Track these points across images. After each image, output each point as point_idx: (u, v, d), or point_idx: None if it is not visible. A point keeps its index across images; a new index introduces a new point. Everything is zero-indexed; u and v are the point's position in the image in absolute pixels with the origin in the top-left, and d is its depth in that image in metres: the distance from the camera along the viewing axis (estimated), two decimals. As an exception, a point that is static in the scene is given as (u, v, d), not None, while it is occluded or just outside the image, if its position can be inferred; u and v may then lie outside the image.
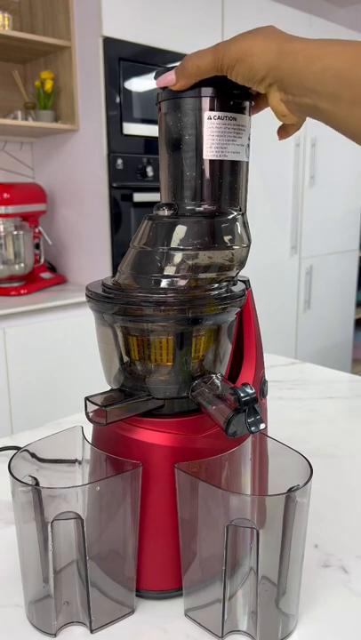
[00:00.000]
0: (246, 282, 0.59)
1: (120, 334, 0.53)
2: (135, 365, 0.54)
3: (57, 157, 2.42)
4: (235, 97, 0.51)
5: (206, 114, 0.50)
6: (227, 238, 0.53)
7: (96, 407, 0.52)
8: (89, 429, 0.58)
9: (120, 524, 0.52)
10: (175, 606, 0.55)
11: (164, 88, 0.52)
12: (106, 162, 2.17)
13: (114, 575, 0.53)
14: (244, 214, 0.55)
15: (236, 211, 0.54)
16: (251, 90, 0.50)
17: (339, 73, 0.41)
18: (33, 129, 2.23)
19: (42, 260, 2.37)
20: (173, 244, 0.52)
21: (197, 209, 0.53)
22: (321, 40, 0.44)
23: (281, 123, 0.52)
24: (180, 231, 0.52)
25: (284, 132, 0.54)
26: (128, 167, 2.22)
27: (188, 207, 0.53)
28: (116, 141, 2.18)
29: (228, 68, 0.47)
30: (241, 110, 0.52)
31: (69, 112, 2.27)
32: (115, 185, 2.20)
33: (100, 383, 0.59)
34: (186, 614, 0.54)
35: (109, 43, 2.08)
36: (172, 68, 0.50)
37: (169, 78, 0.50)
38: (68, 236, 2.46)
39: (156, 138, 0.56)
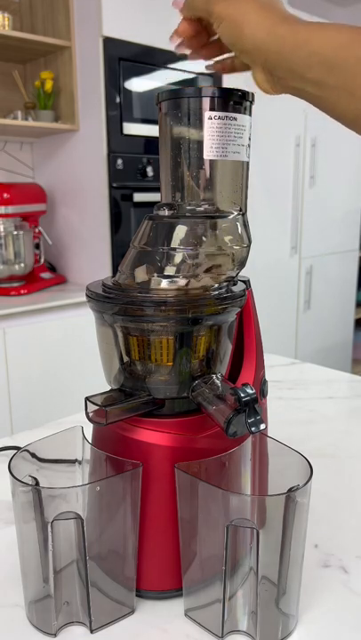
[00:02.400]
0: (246, 282, 0.59)
1: (120, 334, 0.53)
2: (135, 365, 0.54)
3: (57, 157, 2.42)
4: (235, 97, 0.51)
5: (207, 114, 0.50)
6: (227, 238, 0.53)
7: (96, 407, 0.52)
8: (89, 429, 0.58)
9: (120, 524, 0.52)
10: (175, 606, 0.55)
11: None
12: (106, 162, 2.17)
13: (114, 575, 0.53)
14: (244, 214, 0.55)
15: (236, 211, 0.54)
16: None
17: (324, 60, 0.41)
18: (33, 129, 2.23)
19: (42, 260, 2.37)
20: (174, 244, 0.52)
21: (198, 209, 0.53)
22: (313, 24, 0.43)
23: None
24: (180, 231, 0.52)
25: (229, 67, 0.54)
26: (128, 167, 2.22)
27: (188, 207, 0.53)
28: (116, 141, 2.18)
29: (216, 19, 0.46)
30: (241, 110, 0.52)
31: (69, 112, 2.27)
32: (115, 185, 2.20)
33: (100, 383, 0.59)
34: (186, 614, 0.54)
35: (109, 43, 2.08)
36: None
37: (179, 1, 0.51)
38: (68, 236, 2.46)
39: (156, 138, 0.56)
